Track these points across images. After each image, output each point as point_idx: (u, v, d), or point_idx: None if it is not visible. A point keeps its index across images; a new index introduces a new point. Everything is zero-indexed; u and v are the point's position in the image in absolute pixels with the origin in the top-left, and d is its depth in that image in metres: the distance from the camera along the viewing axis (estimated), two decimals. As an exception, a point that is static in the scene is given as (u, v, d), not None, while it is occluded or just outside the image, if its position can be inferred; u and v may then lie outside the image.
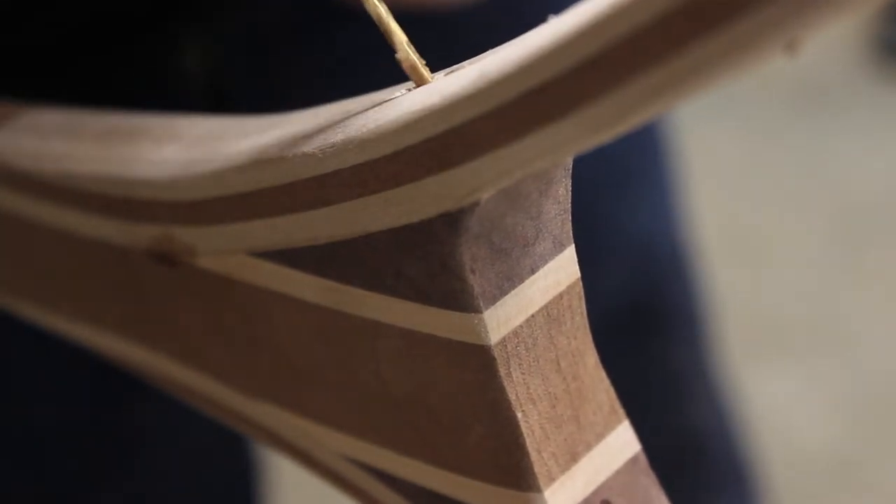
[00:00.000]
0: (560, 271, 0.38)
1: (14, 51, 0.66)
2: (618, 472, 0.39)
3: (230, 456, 0.79)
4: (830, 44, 2.15)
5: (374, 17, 0.37)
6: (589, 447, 0.38)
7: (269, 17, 0.67)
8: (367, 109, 0.37)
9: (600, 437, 0.39)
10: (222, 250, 0.42)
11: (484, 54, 0.35)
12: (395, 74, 0.38)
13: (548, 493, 0.37)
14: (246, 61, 0.68)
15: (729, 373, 0.85)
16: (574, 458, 0.38)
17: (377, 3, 0.37)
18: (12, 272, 0.53)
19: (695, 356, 0.78)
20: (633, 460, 0.39)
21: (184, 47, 0.67)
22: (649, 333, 0.76)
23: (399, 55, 0.37)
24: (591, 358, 0.39)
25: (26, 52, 0.66)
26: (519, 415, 0.37)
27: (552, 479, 0.38)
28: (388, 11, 0.37)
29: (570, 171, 0.37)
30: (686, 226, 0.79)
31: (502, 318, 0.37)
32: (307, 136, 0.38)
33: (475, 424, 0.38)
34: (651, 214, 0.75)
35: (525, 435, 0.37)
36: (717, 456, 0.80)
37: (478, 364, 0.37)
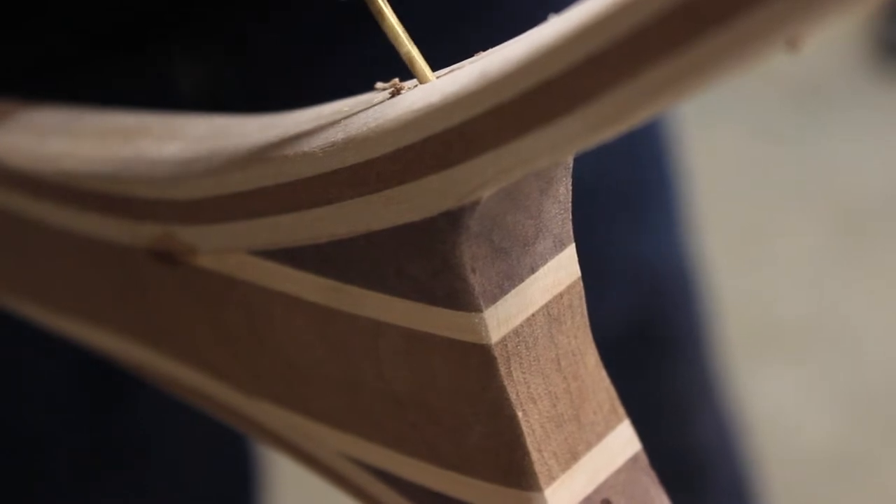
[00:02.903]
0: (560, 270, 0.38)
1: (5, 68, 0.66)
2: (618, 471, 0.39)
3: (230, 456, 0.79)
4: (830, 44, 2.15)
5: (377, 15, 0.37)
6: (589, 446, 0.38)
7: (262, 38, 0.67)
8: (368, 108, 0.37)
9: (601, 436, 0.39)
10: (223, 249, 0.42)
11: (484, 53, 0.35)
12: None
13: (548, 492, 0.37)
14: (239, 83, 0.68)
15: (733, 386, 0.85)
16: (574, 456, 0.38)
17: (381, 1, 0.37)
18: (13, 271, 0.53)
19: (700, 377, 0.78)
20: (634, 459, 0.39)
21: (177, 69, 0.67)
22: (655, 356, 0.76)
23: (401, 52, 0.37)
24: (592, 357, 0.39)
25: (18, 70, 0.66)
26: (519, 414, 0.37)
27: (553, 478, 0.37)
28: (391, 9, 0.37)
29: (571, 171, 0.37)
30: (693, 246, 0.78)
31: (503, 317, 0.37)
32: (308, 135, 0.38)
33: (476, 423, 0.38)
34: (658, 238, 0.75)
35: (526, 434, 0.37)
36: (719, 476, 0.80)
37: (478, 363, 0.37)
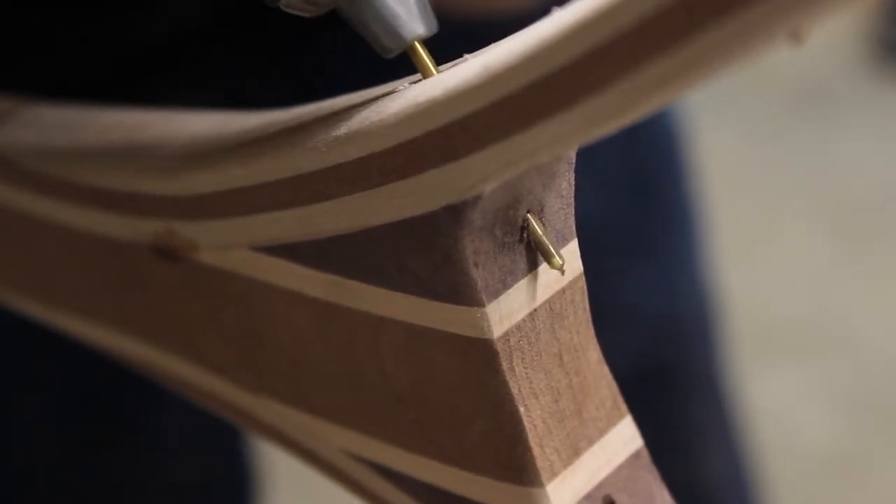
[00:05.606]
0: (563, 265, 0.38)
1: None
2: (620, 468, 0.39)
3: (226, 459, 0.78)
4: (830, 44, 2.15)
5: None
6: (591, 442, 0.38)
7: (263, 79, 0.67)
8: (369, 102, 0.37)
9: (603, 432, 0.39)
10: (224, 245, 0.42)
11: (487, 47, 0.35)
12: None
13: (550, 488, 0.37)
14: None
15: (742, 407, 0.84)
16: (576, 452, 0.38)
17: None
18: (14, 268, 0.53)
19: (714, 409, 0.78)
20: (636, 455, 0.39)
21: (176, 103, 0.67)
22: (669, 393, 0.75)
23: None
24: (594, 353, 0.39)
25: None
26: (521, 409, 0.37)
27: (554, 474, 0.37)
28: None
29: (574, 166, 0.37)
30: (711, 274, 0.77)
31: (505, 312, 0.36)
32: (310, 130, 0.38)
33: (477, 419, 0.38)
34: (673, 275, 0.74)
35: (527, 429, 0.37)
36: None
37: (480, 358, 0.37)
